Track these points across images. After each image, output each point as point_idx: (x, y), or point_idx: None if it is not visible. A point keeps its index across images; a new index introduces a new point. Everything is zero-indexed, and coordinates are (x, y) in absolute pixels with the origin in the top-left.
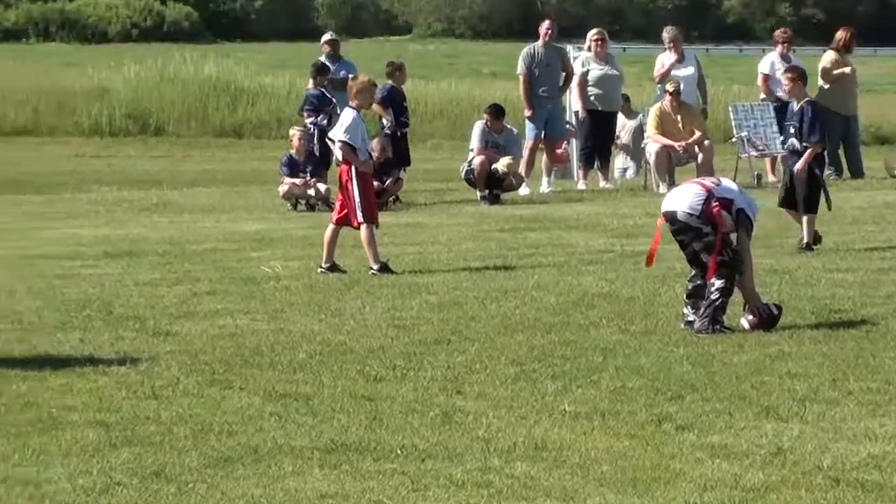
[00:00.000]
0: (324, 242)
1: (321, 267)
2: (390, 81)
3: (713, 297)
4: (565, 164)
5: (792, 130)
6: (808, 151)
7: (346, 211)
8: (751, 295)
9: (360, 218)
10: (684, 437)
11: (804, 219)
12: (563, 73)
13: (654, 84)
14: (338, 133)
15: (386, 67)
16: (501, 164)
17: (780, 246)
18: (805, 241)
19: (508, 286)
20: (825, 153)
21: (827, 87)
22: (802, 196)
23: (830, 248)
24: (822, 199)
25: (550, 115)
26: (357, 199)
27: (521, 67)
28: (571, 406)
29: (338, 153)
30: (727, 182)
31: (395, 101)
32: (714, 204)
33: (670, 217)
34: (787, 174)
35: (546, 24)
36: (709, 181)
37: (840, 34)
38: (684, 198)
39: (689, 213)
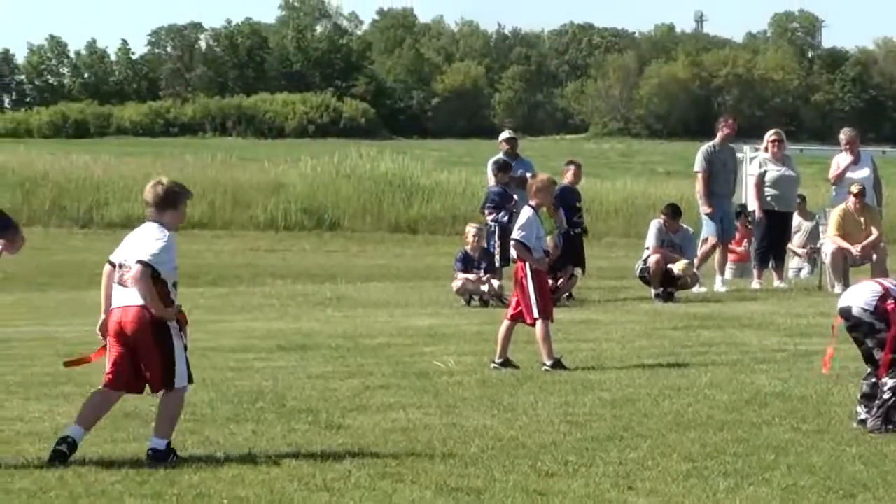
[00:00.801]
0: (498, 338)
1: (494, 362)
2: (565, 180)
3: (885, 395)
4: (745, 262)
5: None
6: None
7: (520, 307)
8: None
9: (535, 314)
10: None
11: None
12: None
13: (829, 185)
14: (514, 232)
15: (564, 166)
16: (678, 267)
17: None
18: None
19: (681, 384)
20: None
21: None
22: None
23: None
24: None
25: (725, 213)
26: (532, 296)
27: (699, 164)
28: None
29: (513, 251)
30: None
31: (565, 201)
32: (889, 301)
33: (845, 313)
34: None
35: (729, 121)
36: (887, 281)
37: None
38: (860, 295)
39: (863, 309)
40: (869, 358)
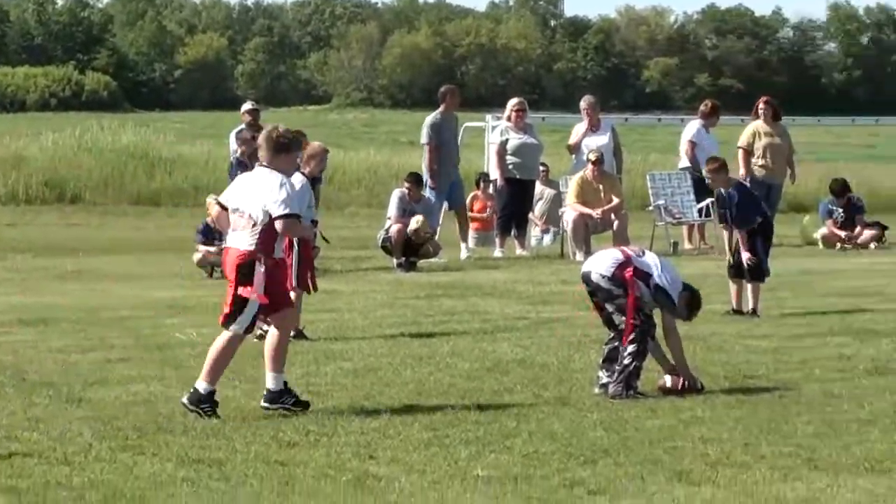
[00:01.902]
0: None
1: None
2: None
3: (626, 361)
4: (488, 231)
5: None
6: (740, 236)
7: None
8: (682, 366)
9: (294, 282)
10: (596, 501)
11: (749, 287)
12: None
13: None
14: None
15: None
16: (413, 224)
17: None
18: (752, 307)
19: (423, 353)
20: (771, 223)
21: (753, 156)
22: (749, 267)
23: (746, 315)
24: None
25: (453, 183)
26: (294, 265)
27: (426, 136)
28: (484, 471)
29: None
30: (651, 256)
31: None
32: (629, 269)
33: (585, 278)
34: (735, 250)
35: (450, 89)
36: (631, 249)
37: (759, 103)
38: (602, 261)
39: (601, 275)
40: (609, 323)
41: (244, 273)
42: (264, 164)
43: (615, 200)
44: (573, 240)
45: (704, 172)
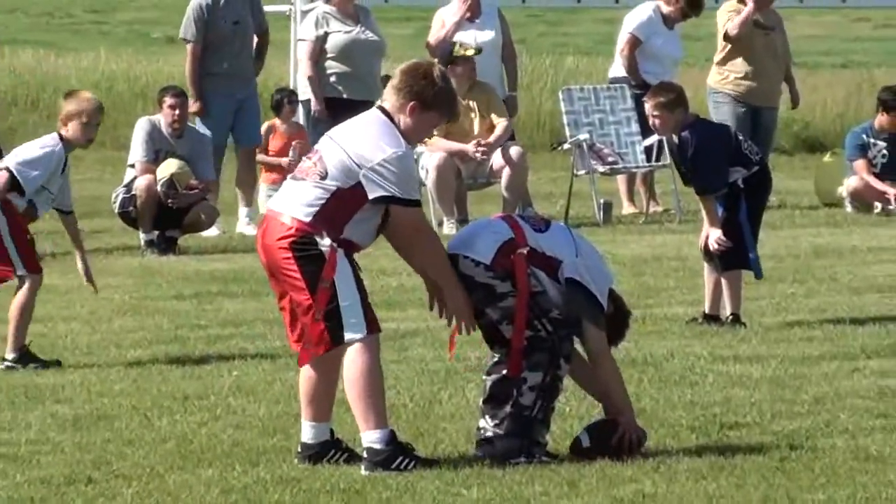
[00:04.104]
0: None
1: None
2: None
3: (524, 402)
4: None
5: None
6: (703, 204)
7: None
8: (626, 407)
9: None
10: None
11: (724, 281)
12: (256, 37)
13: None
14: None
15: None
16: (167, 170)
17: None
18: (731, 311)
19: (191, 390)
20: (765, 173)
21: (725, 64)
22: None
23: (724, 324)
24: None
25: (242, 107)
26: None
27: (189, 31)
28: None
29: None
30: (559, 230)
31: None
32: (519, 252)
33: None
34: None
35: None
36: (527, 220)
37: None
38: (476, 238)
39: (474, 262)
40: (492, 338)
41: None
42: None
43: (500, 126)
44: (437, 199)
45: (646, 103)
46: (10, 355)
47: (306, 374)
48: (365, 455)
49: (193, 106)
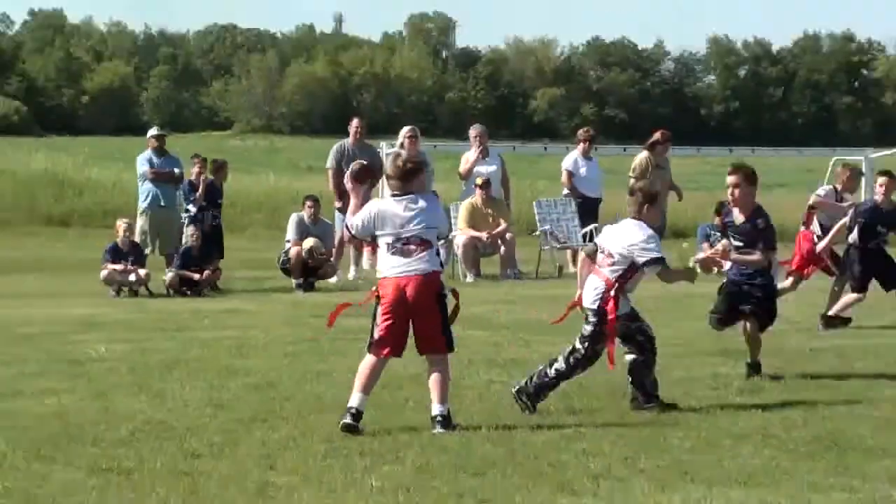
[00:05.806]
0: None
1: None
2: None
3: (551, 372)
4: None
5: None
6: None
7: None
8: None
9: None
10: None
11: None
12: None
13: (460, 179)
14: None
15: (210, 164)
16: (305, 245)
17: None
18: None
19: (321, 369)
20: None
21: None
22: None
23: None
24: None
25: None
26: None
27: (329, 161)
28: (378, 481)
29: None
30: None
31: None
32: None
33: None
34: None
35: (355, 122)
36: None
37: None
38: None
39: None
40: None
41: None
42: (396, 192)
43: (503, 224)
44: (463, 262)
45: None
46: None
47: (368, 362)
48: (439, 419)
49: (336, 202)
